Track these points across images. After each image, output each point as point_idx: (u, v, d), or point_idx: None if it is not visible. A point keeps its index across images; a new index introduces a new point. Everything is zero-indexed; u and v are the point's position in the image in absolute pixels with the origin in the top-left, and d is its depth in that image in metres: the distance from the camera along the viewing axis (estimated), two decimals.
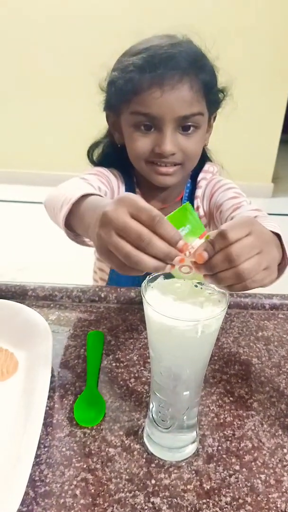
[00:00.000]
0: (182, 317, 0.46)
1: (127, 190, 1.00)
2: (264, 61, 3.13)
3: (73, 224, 0.71)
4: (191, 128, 0.85)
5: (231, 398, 0.67)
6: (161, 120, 0.82)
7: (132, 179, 1.00)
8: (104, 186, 0.92)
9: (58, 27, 3.10)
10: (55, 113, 3.33)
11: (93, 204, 0.65)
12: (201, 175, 1.00)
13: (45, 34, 3.13)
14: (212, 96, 0.87)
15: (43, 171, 3.43)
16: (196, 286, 0.52)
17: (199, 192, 0.99)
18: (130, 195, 0.51)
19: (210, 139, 1.00)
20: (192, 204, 0.99)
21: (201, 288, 0.52)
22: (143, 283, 0.50)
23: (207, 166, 1.02)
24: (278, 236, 0.64)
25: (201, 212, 1.00)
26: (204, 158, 1.01)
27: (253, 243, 0.51)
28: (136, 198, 0.50)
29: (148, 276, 0.52)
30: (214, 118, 0.95)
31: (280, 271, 0.66)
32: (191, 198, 1.01)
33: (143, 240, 0.47)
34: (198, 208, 0.99)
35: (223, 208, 0.92)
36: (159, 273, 0.52)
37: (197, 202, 1.00)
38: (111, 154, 1.00)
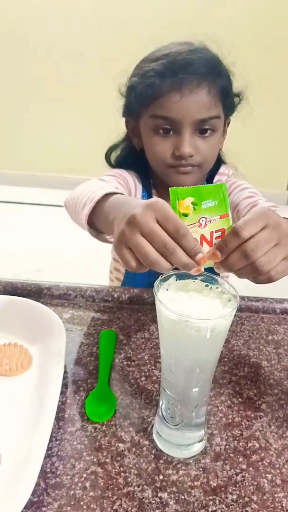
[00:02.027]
0: (192, 315, 0.47)
1: (144, 191, 1.02)
2: (282, 67, 3.14)
3: (96, 221, 0.74)
4: (208, 131, 0.87)
5: (239, 399, 0.68)
6: (179, 124, 0.85)
7: (149, 180, 1.02)
8: (122, 187, 0.95)
9: (79, 34, 3.14)
10: (76, 118, 3.37)
11: (119, 202, 0.67)
12: (216, 177, 1.03)
13: (65, 40, 3.17)
14: (228, 100, 0.90)
15: (63, 175, 3.47)
16: (207, 285, 0.54)
17: None
18: (160, 201, 0.53)
19: (226, 145, 1.02)
20: None
21: (212, 287, 0.54)
22: (155, 282, 0.52)
23: (222, 169, 1.04)
24: None
25: None
26: (220, 161, 1.03)
27: (269, 236, 0.52)
28: (166, 206, 0.52)
29: (160, 276, 0.53)
30: (228, 123, 0.97)
31: None
32: None
33: (167, 249, 0.51)
34: None
35: (239, 207, 0.94)
36: (171, 273, 0.54)
37: None
38: (128, 157, 1.03)
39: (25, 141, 3.55)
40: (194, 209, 0.53)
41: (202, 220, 0.54)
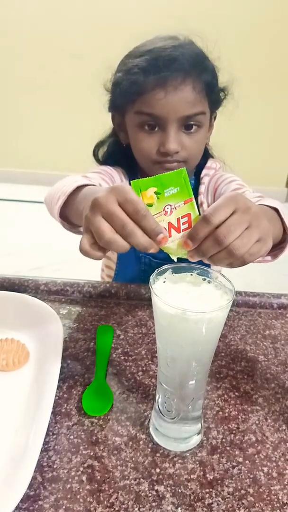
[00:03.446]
0: (188, 308, 0.47)
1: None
2: (281, 64, 3.14)
3: (69, 214, 0.76)
4: (194, 127, 0.87)
5: (236, 393, 0.68)
6: (164, 120, 0.84)
7: (137, 176, 1.02)
8: (106, 183, 0.95)
9: (78, 34, 3.14)
10: (75, 116, 3.36)
11: (88, 192, 0.68)
12: (204, 172, 1.02)
13: (64, 38, 3.17)
14: (214, 95, 0.90)
15: (62, 172, 3.46)
16: (203, 279, 0.54)
17: (202, 188, 1.01)
18: (123, 185, 0.54)
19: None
20: (197, 201, 1.01)
21: (208, 281, 0.54)
22: (151, 275, 0.52)
23: (209, 163, 1.04)
24: (277, 211, 0.66)
25: (206, 207, 1.01)
26: (207, 155, 1.03)
27: (240, 219, 0.52)
28: (127, 189, 0.53)
29: (156, 270, 0.53)
30: (215, 117, 0.97)
31: (284, 244, 0.70)
32: (195, 194, 1.02)
33: (125, 229, 0.51)
34: (202, 203, 1.01)
35: None
36: (167, 267, 0.54)
37: (201, 198, 1.02)
38: (115, 153, 1.03)
39: (24, 138, 3.55)
40: (158, 198, 0.54)
41: (167, 208, 0.54)
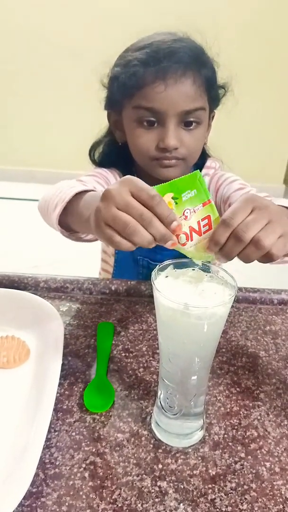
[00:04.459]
0: (190, 303, 0.47)
1: None
2: (278, 60, 3.14)
3: (70, 221, 0.74)
4: (193, 124, 0.86)
5: (238, 389, 0.68)
6: (164, 115, 0.83)
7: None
8: (101, 186, 0.93)
9: (77, 30, 3.13)
10: (73, 113, 3.35)
11: (90, 198, 0.68)
12: (204, 171, 1.01)
13: (63, 36, 3.15)
14: (213, 91, 0.89)
15: (60, 170, 3.45)
16: (206, 274, 0.54)
17: None
18: (132, 177, 0.54)
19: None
20: None
21: (210, 276, 0.53)
22: (153, 271, 0.52)
23: (209, 162, 1.02)
24: None
25: None
26: (205, 155, 1.02)
27: (258, 217, 0.52)
28: (137, 180, 0.53)
29: (158, 265, 0.53)
30: (213, 117, 0.96)
31: None
32: None
33: (144, 219, 0.51)
34: None
35: (231, 200, 0.93)
36: (168, 263, 0.54)
37: None
38: (111, 153, 1.01)
39: (22, 136, 3.54)
40: (176, 203, 0.54)
41: (187, 212, 0.54)
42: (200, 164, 1.00)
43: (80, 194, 0.73)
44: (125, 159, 0.96)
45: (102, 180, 0.96)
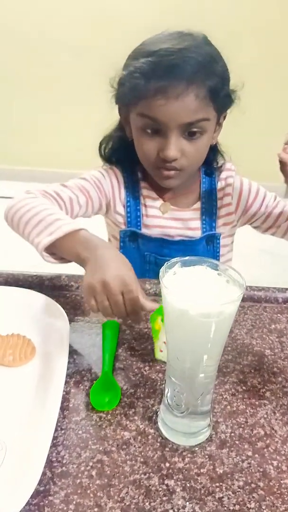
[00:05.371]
0: (198, 301, 0.47)
1: (129, 191, 1.02)
2: (282, 59, 3.13)
3: (55, 249, 0.78)
4: (197, 134, 0.85)
5: (244, 387, 0.68)
6: (166, 126, 0.83)
7: (136, 176, 1.02)
8: (83, 195, 0.96)
9: (77, 28, 3.12)
10: (72, 112, 3.34)
11: (90, 242, 0.75)
12: (224, 173, 1.02)
13: (63, 34, 3.15)
14: (219, 100, 0.86)
15: (59, 170, 3.45)
16: (213, 272, 0.53)
17: (229, 189, 1.01)
18: (128, 276, 0.68)
19: (223, 139, 1.00)
20: (217, 197, 1.02)
21: (218, 274, 0.53)
22: (161, 268, 0.52)
23: (228, 165, 1.03)
24: None
25: (232, 209, 1.02)
26: (215, 152, 1.02)
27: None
28: (132, 283, 0.68)
29: (166, 263, 0.53)
30: (224, 117, 0.94)
31: None
32: (216, 194, 1.02)
33: (118, 315, 0.69)
34: (230, 204, 1.01)
35: (268, 216, 1.01)
36: (176, 260, 0.54)
37: (229, 199, 1.01)
38: (119, 150, 1.02)
39: (22, 136, 3.53)
40: (163, 324, 0.66)
41: None
42: (210, 160, 1.00)
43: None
44: (132, 158, 0.96)
45: (95, 187, 0.98)
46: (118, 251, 0.75)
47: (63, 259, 0.79)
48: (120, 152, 1.01)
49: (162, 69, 0.79)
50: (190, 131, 0.84)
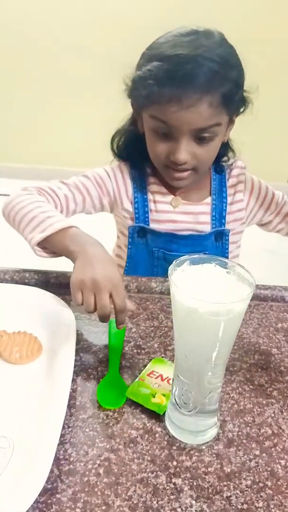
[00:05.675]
0: (207, 299, 0.46)
1: (137, 188, 1.02)
2: (280, 62, 3.13)
3: (48, 244, 0.82)
4: (208, 138, 0.85)
5: (251, 386, 0.68)
6: (177, 130, 0.83)
7: (145, 171, 1.02)
8: (79, 193, 0.98)
9: (80, 26, 3.11)
10: (75, 111, 3.33)
11: (80, 239, 0.79)
12: (235, 171, 1.03)
13: (64, 32, 3.14)
14: (233, 104, 0.86)
15: (63, 167, 3.44)
16: (222, 270, 0.53)
17: (241, 186, 1.03)
18: (117, 280, 0.71)
19: (232, 135, 1.00)
20: (227, 194, 1.03)
21: (227, 272, 0.53)
22: (170, 266, 0.52)
23: (239, 162, 1.04)
24: None
25: (243, 205, 1.04)
26: (227, 148, 1.02)
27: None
28: (120, 287, 0.71)
29: (175, 261, 0.52)
30: (237, 114, 0.93)
31: None
32: (223, 189, 1.03)
33: (103, 316, 0.69)
34: (241, 201, 1.03)
35: (278, 214, 1.04)
36: (185, 258, 0.53)
37: (241, 195, 1.03)
38: (130, 145, 1.02)
39: (25, 134, 3.53)
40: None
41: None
42: (220, 155, 1.00)
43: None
44: (143, 153, 0.96)
45: (95, 185, 1.00)
46: (105, 249, 0.78)
47: (54, 253, 0.84)
48: (132, 147, 1.01)
49: (177, 77, 0.79)
50: (201, 136, 0.85)
